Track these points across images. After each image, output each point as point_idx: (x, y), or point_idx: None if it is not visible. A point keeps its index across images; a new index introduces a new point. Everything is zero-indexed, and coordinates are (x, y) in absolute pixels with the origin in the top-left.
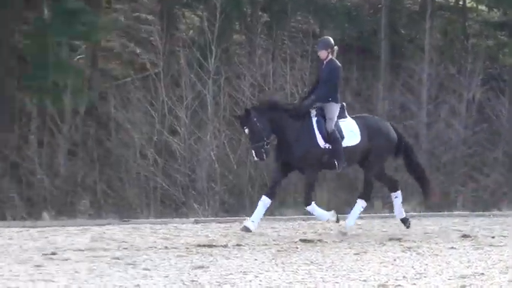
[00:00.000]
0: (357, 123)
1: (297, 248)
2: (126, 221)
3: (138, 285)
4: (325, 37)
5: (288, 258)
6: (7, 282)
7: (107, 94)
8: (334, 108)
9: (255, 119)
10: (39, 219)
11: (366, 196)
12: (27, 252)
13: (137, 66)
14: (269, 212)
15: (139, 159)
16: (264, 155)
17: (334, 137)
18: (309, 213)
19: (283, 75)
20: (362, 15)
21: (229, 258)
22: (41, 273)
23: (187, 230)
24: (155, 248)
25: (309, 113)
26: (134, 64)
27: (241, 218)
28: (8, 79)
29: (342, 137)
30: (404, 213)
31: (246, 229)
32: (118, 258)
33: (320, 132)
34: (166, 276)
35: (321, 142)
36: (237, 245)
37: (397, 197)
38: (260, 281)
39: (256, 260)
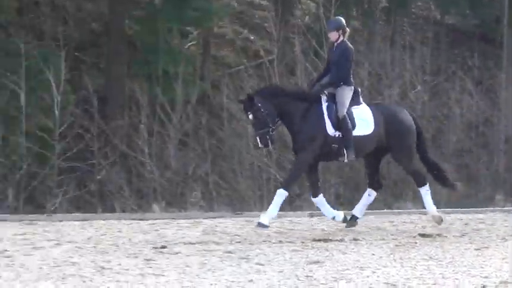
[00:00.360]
0: (372, 112)
1: (416, 242)
2: (239, 213)
3: (251, 280)
4: (336, 17)
5: (406, 253)
6: (117, 276)
7: (219, 82)
8: (346, 93)
9: (259, 105)
10: (149, 211)
11: (420, 182)
12: (137, 245)
13: (250, 53)
14: (387, 206)
15: (252, 150)
16: (270, 142)
17: (345, 125)
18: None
19: (402, 63)
20: (484, 1)
21: (345, 253)
22: (151, 267)
23: (302, 224)
24: (269, 242)
25: (320, 98)
26: (247, 51)
27: None
28: (117, 66)
29: (354, 125)
30: (361, 215)
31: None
32: (230, 252)
33: (330, 119)
34: (281, 271)
35: (331, 129)
36: (354, 239)
37: (370, 196)
38: (377, 276)
39: (373, 255)
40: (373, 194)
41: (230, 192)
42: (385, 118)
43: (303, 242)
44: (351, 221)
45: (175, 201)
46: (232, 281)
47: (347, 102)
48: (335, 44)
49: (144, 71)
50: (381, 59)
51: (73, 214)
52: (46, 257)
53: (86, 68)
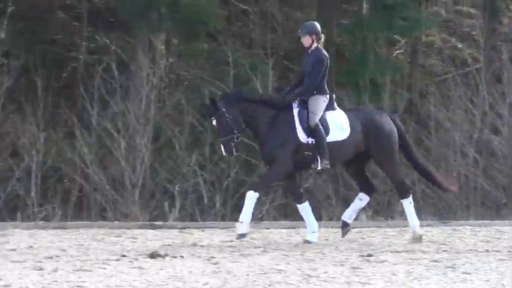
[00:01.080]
0: (348, 117)
1: None
2: (445, 222)
3: None
4: (310, 21)
5: None
6: (323, 284)
7: (427, 91)
8: (320, 102)
9: (223, 110)
10: (356, 220)
11: (404, 192)
12: (343, 253)
13: (458, 61)
14: None
15: (459, 159)
16: (234, 150)
17: (317, 131)
18: None
19: None
20: None
21: None
22: (357, 275)
23: (509, 233)
24: (475, 250)
25: (290, 104)
26: (455, 60)
27: None
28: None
29: (327, 131)
30: (352, 220)
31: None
32: (437, 261)
33: (301, 125)
34: (487, 281)
35: (302, 136)
36: None
37: (361, 200)
38: None
39: None
40: (366, 198)
41: (437, 200)
42: (363, 122)
43: (509, 251)
44: (344, 229)
45: (382, 210)
46: None
47: (320, 111)
48: (309, 51)
49: (351, 79)
50: None
51: (280, 222)
52: (253, 264)
53: (293, 77)
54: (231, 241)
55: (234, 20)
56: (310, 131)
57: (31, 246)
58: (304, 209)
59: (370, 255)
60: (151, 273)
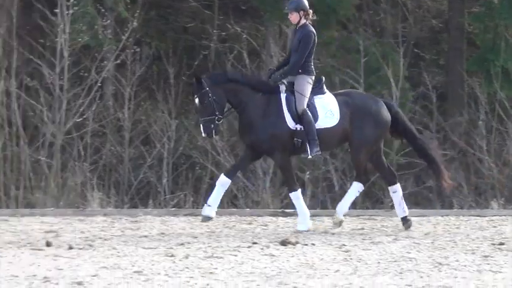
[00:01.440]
0: (338, 101)
1: None
2: None
3: None
4: None
5: None
6: (454, 272)
7: None
8: (305, 82)
9: (207, 89)
10: (488, 208)
11: (363, 180)
12: (475, 242)
13: None
14: None
15: None
16: (214, 132)
17: (306, 117)
18: None
19: None
20: None
21: None
22: (488, 263)
23: None
24: None
25: (278, 88)
26: None
27: None
28: (456, 62)
29: (316, 117)
30: (407, 210)
31: (207, 218)
32: None
33: (289, 111)
34: None
35: (291, 123)
36: None
37: (395, 192)
38: None
39: None
40: (396, 188)
41: None
42: (351, 108)
43: None
44: (406, 224)
45: None
46: None
47: (307, 93)
48: (296, 27)
49: (483, 67)
50: None
51: (411, 210)
52: (384, 252)
53: (425, 65)
54: (362, 229)
55: (365, 8)
56: (298, 117)
57: (163, 233)
58: (224, 183)
59: (501, 244)
60: (282, 260)
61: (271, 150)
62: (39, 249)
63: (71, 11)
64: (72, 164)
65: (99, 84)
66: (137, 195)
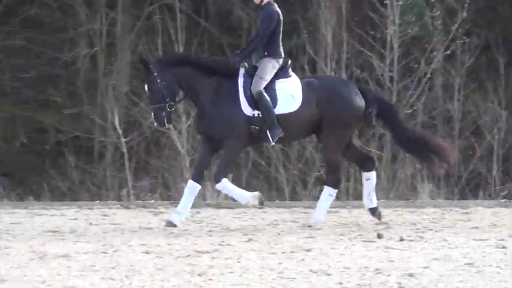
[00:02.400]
0: (302, 85)
1: None
2: None
3: None
4: None
5: None
6: None
7: None
8: (269, 65)
9: (155, 74)
10: None
11: (332, 181)
12: None
13: None
14: None
15: None
16: (166, 121)
17: (262, 101)
18: None
19: None
20: None
21: None
22: None
23: None
24: None
25: (237, 72)
26: None
27: None
28: None
29: (275, 102)
30: (375, 202)
31: (170, 224)
32: None
33: (246, 96)
34: None
35: (247, 109)
36: None
37: (369, 179)
38: None
39: None
40: (371, 176)
41: None
42: (319, 91)
43: None
44: (374, 214)
45: None
46: None
47: (267, 77)
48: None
49: None
50: None
51: None
52: None
53: None
54: None
55: None
56: (255, 102)
57: (494, 224)
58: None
59: None
60: None
61: (224, 138)
62: (370, 241)
63: (400, 2)
64: (402, 156)
65: (429, 76)
66: (467, 187)
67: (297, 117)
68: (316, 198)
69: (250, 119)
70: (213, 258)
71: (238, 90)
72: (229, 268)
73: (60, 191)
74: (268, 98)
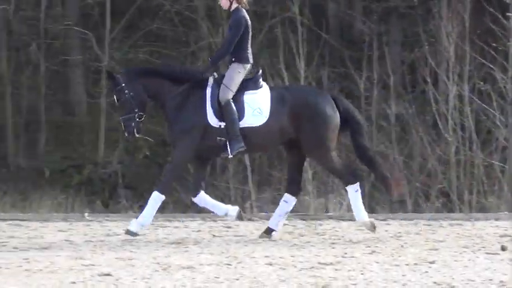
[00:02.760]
0: (272, 97)
1: None
2: None
3: None
4: None
5: None
6: None
7: None
8: (235, 71)
9: (123, 85)
10: None
11: (349, 180)
12: None
13: None
14: None
15: None
16: (135, 131)
17: (227, 112)
18: None
19: None
20: None
21: None
22: None
23: None
24: None
25: (205, 81)
26: None
27: None
28: None
29: (241, 115)
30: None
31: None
32: None
33: (212, 107)
34: None
35: (213, 119)
36: None
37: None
38: None
39: None
40: (292, 200)
41: None
42: (291, 104)
43: None
44: (267, 234)
45: None
46: None
47: (234, 84)
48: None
49: None
50: None
51: None
52: None
53: None
54: None
55: None
56: (220, 111)
57: None
58: (201, 200)
59: None
60: None
61: (179, 143)
62: (494, 253)
63: None
64: None
65: None
66: None
67: (261, 130)
68: (438, 209)
69: (216, 130)
70: (336, 270)
71: (205, 99)
72: (352, 280)
73: (184, 203)
74: (234, 109)
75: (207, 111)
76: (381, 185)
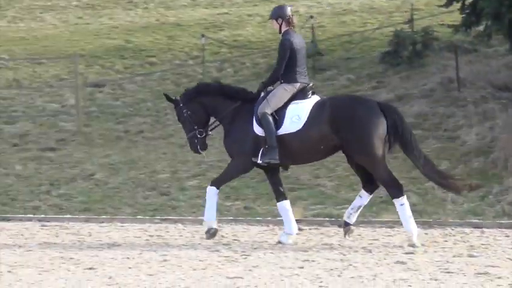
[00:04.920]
0: (314, 106)
1: None
2: None
3: None
4: (279, 5)
5: None
6: None
7: None
8: (281, 90)
9: (181, 105)
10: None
11: (396, 192)
12: None
13: None
14: None
15: None
16: (198, 147)
17: (263, 122)
18: None
19: None
20: None
21: None
22: None
23: None
24: None
25: (257, 97)
26: None
27: None
28: None
29: (280, 124)
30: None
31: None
32: None
33: (257, 119)
34: None
35: (258, 129)
36: None
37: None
38: None
39: None
40: (366, 196)
41: None
42: (331, 111)
43: None
44: (345, 228)
45: None
46: None
47: (276, 101)
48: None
49: None
50: None
51: None
52: None
53: None
54: None
55: None
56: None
57: None
58: (282, 208)
59: None
60: None
61: (233, 154)
62: None
63: None
64: None
65: None
66: None
67: (298, 136)
68: None
69: (263, 139)
70: None
71: (254, 111)
72: None
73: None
74: (270, 120)
75: (254, 123)
76: (444, 187)
